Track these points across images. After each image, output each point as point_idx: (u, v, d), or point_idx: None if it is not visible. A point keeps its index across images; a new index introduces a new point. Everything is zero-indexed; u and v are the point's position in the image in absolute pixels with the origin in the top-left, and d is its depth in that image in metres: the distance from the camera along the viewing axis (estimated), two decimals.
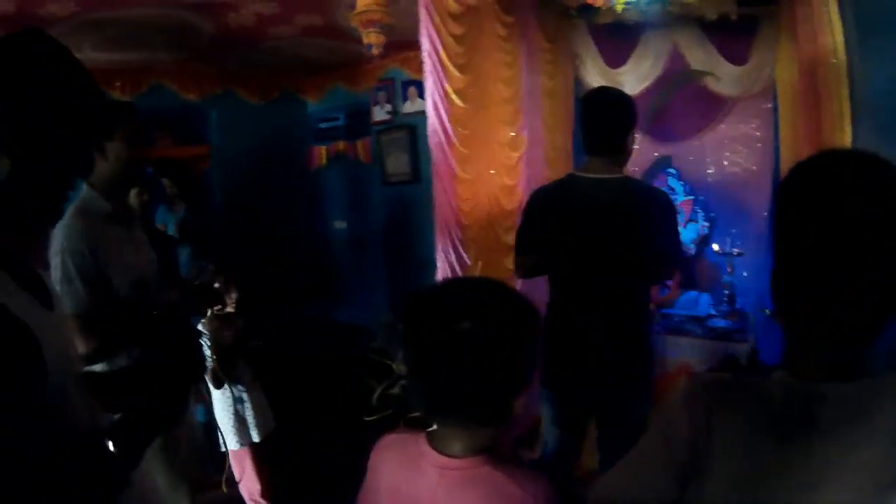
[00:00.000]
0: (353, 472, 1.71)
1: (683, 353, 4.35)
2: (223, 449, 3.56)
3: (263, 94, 8.30)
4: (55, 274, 2.55)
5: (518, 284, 4.17)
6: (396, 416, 5.25)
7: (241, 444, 3.80)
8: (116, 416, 1.54)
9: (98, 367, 2.60)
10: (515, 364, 1.46)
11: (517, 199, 4.69)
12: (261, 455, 3.92)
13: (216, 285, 3.43)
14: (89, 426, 1.47)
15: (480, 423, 1.49)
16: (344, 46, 5.75)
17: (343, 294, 8.78)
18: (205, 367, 1.66)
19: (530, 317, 1.50)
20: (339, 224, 8.97)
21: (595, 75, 5.24)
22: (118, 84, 6.82)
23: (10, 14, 4.51)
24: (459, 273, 4.30)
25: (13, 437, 1.27)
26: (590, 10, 4.08)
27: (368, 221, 8.28)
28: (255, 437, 3.83)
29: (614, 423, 3.21)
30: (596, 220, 3.04)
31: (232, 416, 3.77)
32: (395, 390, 5.72)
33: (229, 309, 3.76)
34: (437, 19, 3.87)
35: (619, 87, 4.66)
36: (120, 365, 2.67)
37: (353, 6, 4.00)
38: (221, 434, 3.62)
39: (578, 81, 5.35)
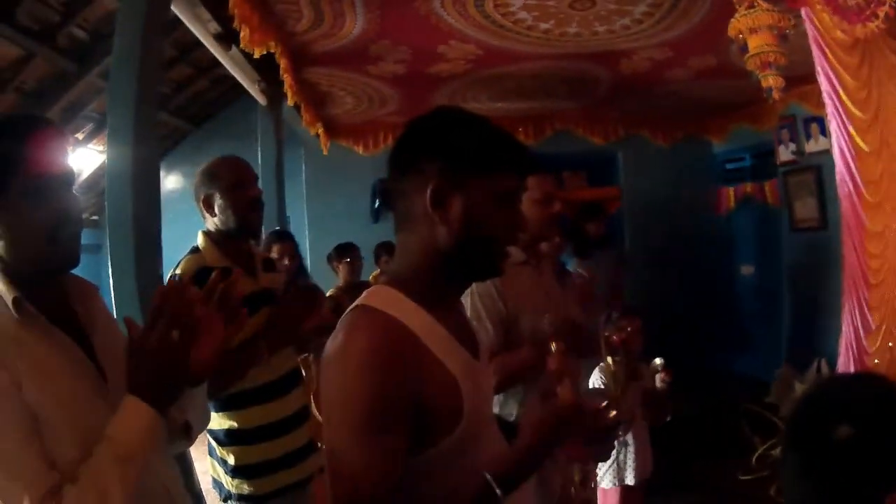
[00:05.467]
0: None
1: None
2: (592, 484, 3.59)
3: (668, 136, 8.29)
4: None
5: None
6: (771, 480, 4.83)
7: (614, 484, 3.76)
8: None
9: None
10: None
11: None
12: (630, 496, 3.85)
13: (626, 327, 3.44)
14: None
15: None
16: (741, 85, 5.49)
17: (744, 342, 8.32)
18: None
19: None
20: (747, 270, 8.55)
21: None
22: (522, 130, 7.16)
23: (401, 74, 4.93)
24: (863, 338, 3.88)
25: (429, 478, 1.42)
26: None
27: (776, 269, 7.75)
28: (630, 480, 3.77)
29: None
30: None
31: (612, 457, 3.73)
32: (777, 452, 5.28)
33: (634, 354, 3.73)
34: (830, 54, 3.56)
35: None
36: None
37: (744, 48, 3.80)
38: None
39: None
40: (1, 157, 1.49)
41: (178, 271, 2.67)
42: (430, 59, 4.78)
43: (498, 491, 1.40)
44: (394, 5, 3.88)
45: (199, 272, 2.64)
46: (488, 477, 1.40)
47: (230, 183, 2.77)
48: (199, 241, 2.80)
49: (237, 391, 2.68)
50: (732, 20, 3.66)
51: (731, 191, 8.33)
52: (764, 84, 3.83)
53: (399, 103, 6.08)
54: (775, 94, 3.87)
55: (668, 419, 3.81)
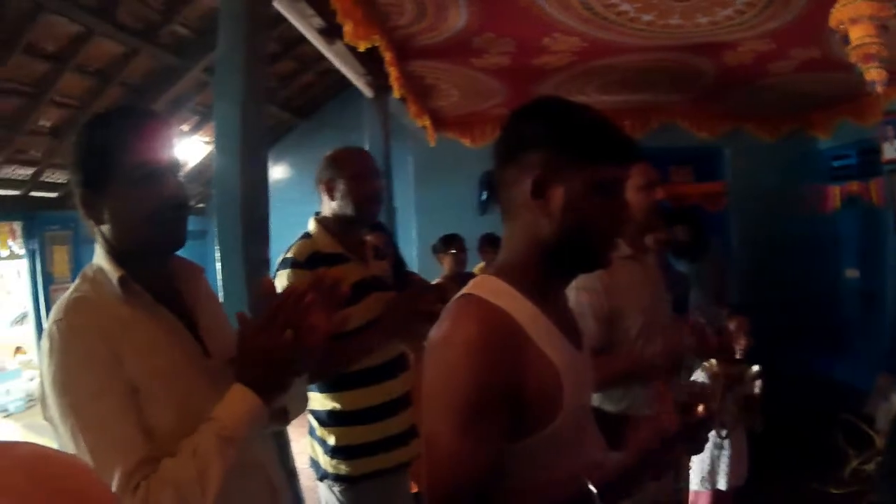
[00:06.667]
0: None
1: None
2: (683, 484, 3.57)
3: (774, 131, 8.04)
4: None
5: None
6: (863, 495, 4.64)
7: (705, 488, 3.72)
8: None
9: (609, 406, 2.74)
10: None
11: None
12: (720, 501, 3.83)
13: (729, 329, 3.39)
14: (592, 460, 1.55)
15: None
16: (845, 78, 5.32)
17: (845, 349, 8.01)
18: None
19: None
20: (851, 273, 8.25)
21: None
22: (627, 123, 7.10)
23: (506, 66, 4.95)
24: None
25: (525, 467, 1.44)
26: None
27: (880, 273, 7.43)
28: (722, 485, 3.73)
29: None
30: None
31: (706, 460, 3.70)
32: (870, 466, 5.09)
33: (737, 356, 3.67)
34: None
35: None
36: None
37: (846, 39, 3.71)
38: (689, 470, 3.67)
39: None
40: (109, 145, 1.59)
41: (290, 255, 2.80)
42: (534, 52, 4.79)
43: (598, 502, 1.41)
44: None
45: (311, 257, 2.77)
46: (592, 489, 1.41)
47: (355, 172, 2.89)
48: (311, 226, 2.92)
49: (343, 373, 2.76)
50: (833, 10, 3.58)
51: (836, 189, 8.03)
52: (867, 77, 3.71)
53: (505, 96, 6.10)
54: (878, 88, 3.73)
55: (762, 427, 3.73)
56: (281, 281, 2.76)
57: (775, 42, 4.86)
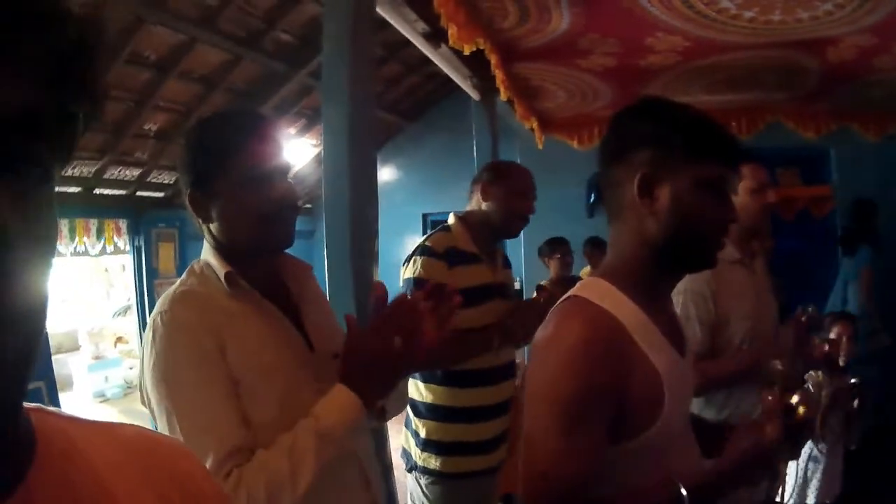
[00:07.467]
0: None
1: None
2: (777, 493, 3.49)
3: (880, 130, 7.74)
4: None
5: None
6: None
7: (794, 501, 3.62)
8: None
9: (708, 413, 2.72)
10: None
11: None
12: None
13: (834, 335, 3.30)
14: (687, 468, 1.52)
15: None
16: None
17: None
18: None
19: None
20: None
21: None
22: (734, 124, 6.96)
23: (612, 67, 4.92)
24: None
25: (621, 471, 1.45)
26: None
27: None
28: (811, 500, 3.61)
29: None
30: None
31: (799, 473, 3.60)
32: None
33: (840, 362, 3.56)
34: None
35: None
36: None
37: None
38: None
39: None
40: (219, 146, 1.63)
41: (428, 243, 2.88)
42: (639, 52, 4.74)
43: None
44: None
45: (447, 250, 2.84)
46: (682, 491, 1.40)
47: (518, 188, 2.98)
48: (451, 221, 3.00)
49: (455, 370, 2.82)
50: None
51: None
52: None
53: (612, 97, 6.02)
54: None
55: (856, 445, 3.60)
56: (414, 266, 2.84)
57: (877, 36, 4.70)
